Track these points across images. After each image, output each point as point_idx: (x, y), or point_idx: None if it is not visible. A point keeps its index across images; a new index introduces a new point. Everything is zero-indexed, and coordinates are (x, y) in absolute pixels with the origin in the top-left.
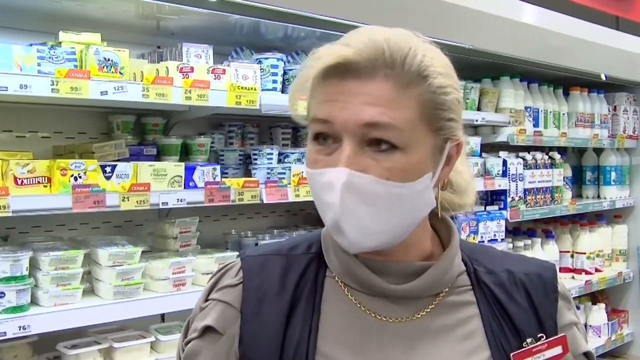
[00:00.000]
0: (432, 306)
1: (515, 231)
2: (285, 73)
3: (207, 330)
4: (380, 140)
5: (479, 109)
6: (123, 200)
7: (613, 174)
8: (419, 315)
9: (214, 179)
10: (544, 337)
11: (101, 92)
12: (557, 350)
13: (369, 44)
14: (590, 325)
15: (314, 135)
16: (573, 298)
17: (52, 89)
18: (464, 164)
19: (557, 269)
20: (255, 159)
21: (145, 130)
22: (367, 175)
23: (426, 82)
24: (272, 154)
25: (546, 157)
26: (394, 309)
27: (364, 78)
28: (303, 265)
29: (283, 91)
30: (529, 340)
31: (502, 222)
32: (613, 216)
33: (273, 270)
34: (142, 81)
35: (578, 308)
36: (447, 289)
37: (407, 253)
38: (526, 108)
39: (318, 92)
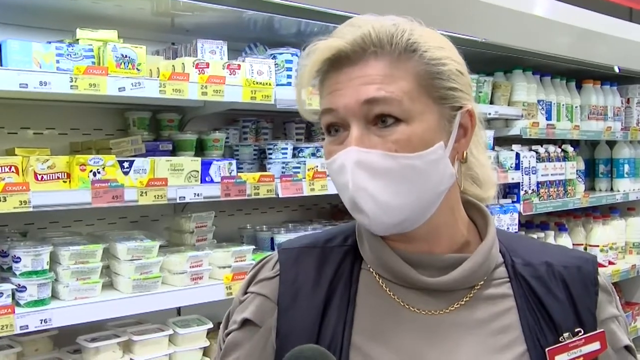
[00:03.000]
0: (467, 299)
1: (528, 224)
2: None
3: (246, 322)
4: (383, 116)
5: (491, 103)
6: (141, 195)
7: (626, 167)
8: (454, 308)
9: (230, 173)
10: (582, 332)
11: (119, 89)
12: (595, 346)
13: (356, 31)
14: None
15: (326, 129)
16: None
17: (71, 86)
18: (485, 156)
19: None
20: (270, 154)
21: (161, 126)
22: (376, 151)
23: (416, 54)
24: (286, 148)
25: (559, 150)
26: (428, 301)
27: (357, 63)
28: (339, 257)
29: None
30: (565, 335)
31: (515, 215)
32: (626, 209)
33: (309, 263)
34: (158, 77)
35: None
36: (483, 282)
37: (439, 239)
38: (539, 101)
39: (321, 87)
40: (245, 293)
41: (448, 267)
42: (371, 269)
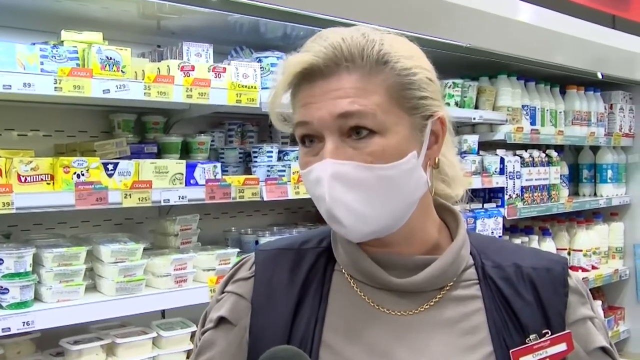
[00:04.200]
0: (437, 299)
1: (512, 229)
2: None
3: (222, 320)
4: (357, 128)
5: (476, 107)
6: (125, 198)
7: (609, 172)
8: (423, 309)
9: (215, 176)
10: (549, 333)
11: (103, 91)
12: (561, 347)
13: (327, 45)
14: None
15: (301, 140)
16: None
17: (55, 88)
18: (454, 155)
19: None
20: (255, 157)
21: (146, 129)
22: (351, 162)
23: (388, 66)
24: (272, 151)
25: (543, 155)
26: (398, 302)
27: (330, 77)
28: (313, 258)
29: None
30: (532, 336)
31: (500, 220)
32: (609, 214)
33: (284, 264)
34: (143, 80)
35: None
36: (452, 283)
37: (411, 242)
38: (523, 106)
39: (295, 100)
40: (223, 292)
41: (418, 268)
42: (344, 271)
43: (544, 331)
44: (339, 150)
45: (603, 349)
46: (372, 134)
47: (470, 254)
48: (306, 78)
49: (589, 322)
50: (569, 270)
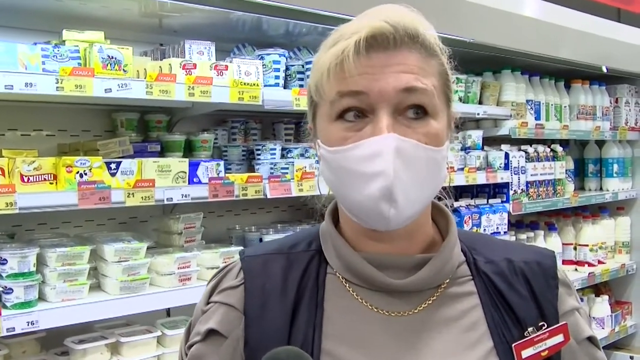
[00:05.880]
0: (434, 298)
1: (518, 224)
2: (287, 69)
3: (211, 333)
4: (414, 107)
5: (480, 103)
6: (128, 197)
7: (615, 166)
8: (421, 308)
9: (218, 174)
10: (545, 325)
11: (105, 90)
12: (559, 338)
13: (394, 18)
14: (593, 317)
15: (340, 113)
16: (576, 290)
17: (57, 87)
18: None
19: (557, 257)
20: (259, 155)
21: (149, 127)
22: (412, 140)
23: (439, 55)
24: (275, 149)
25: (548, 149)
26: (396, 303)
27: (391, 50)
28: (304, 263)
29: (285, 87)
30: (530, 329)
31: (505, 215)
32: (616, 208)
33: (274, 270)
34: (145, 78)
35: (581, 300)
36: (448, 280)
37: (412, 240)
38: (528, 101)
39: (338, 68)
40: (208, 303)
41: (414, 267)
42: (337, 273)
43: (540, 323)
44: (395, 126)
45: (590, 339)
46: (425, 116)
47: (461, 250)
48: (365, 48)
49: (576, 313)
50: (557, 263)
